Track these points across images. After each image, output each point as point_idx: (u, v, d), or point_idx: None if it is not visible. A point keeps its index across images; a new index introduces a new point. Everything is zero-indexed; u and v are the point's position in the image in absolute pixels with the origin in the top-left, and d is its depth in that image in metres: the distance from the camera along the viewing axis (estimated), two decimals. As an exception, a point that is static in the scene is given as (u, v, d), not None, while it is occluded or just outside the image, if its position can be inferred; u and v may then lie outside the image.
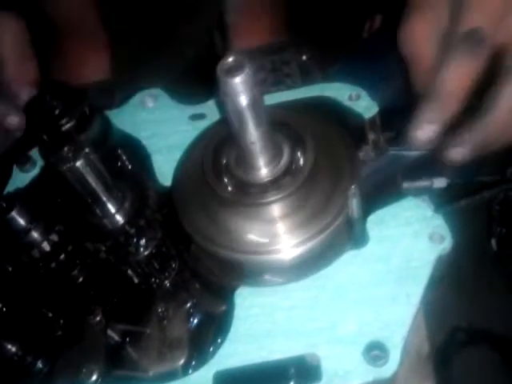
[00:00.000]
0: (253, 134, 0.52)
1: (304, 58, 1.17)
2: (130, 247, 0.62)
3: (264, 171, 0.56)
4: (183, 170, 0.63)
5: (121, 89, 0.96)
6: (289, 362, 0.52)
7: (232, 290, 0.57)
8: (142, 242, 0.62)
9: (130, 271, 0.66)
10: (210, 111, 0.70)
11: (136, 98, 0.73)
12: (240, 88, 0.48)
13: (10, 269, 0.61)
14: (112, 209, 0.59)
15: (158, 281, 0.67)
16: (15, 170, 0.70)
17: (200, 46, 1.11)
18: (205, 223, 0.58)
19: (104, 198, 0.57)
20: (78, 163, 0.51)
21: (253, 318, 0.54)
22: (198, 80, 0.94)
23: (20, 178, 0.69)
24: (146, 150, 0.68)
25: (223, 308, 0.62)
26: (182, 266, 0.67)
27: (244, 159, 0.55)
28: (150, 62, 1.05)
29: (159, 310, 0.66)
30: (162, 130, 0.70)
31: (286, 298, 0.54)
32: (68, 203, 0.62)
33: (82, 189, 0.54)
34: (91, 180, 0.53)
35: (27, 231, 0.59)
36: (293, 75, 1.15)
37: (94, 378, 0.58)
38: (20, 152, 0.70)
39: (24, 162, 0.69)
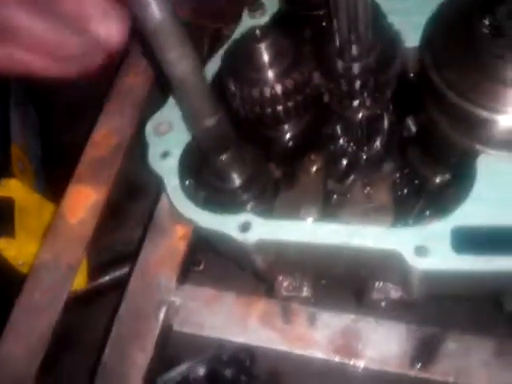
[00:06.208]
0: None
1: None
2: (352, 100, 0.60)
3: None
4: (439, 23, 0.59)
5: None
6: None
7: (470, 156, 0.55)
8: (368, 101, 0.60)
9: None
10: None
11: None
12: None
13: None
14: (355, 52, 0.56)
15: (360, 148, 0.66)
16: (245, 15, 0.69)
17: None
18: (461, 76, 0.54)
19: (358, 36, 0.54)
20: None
21: (500, 184, 0.52)
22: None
23: (249, 25, 0.69)
24: (381, 10, 0.65)
25: (446, 176, 0.60)
26: (390, 136, 0.65)
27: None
28: None
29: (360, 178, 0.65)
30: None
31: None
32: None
33: (348, 16, 0.51)
34: (362, 8, 0.51)
35: (266, 68, 0.60)
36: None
37: (313, 217, 0.59)
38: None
39: (255, 8, 0.69)
